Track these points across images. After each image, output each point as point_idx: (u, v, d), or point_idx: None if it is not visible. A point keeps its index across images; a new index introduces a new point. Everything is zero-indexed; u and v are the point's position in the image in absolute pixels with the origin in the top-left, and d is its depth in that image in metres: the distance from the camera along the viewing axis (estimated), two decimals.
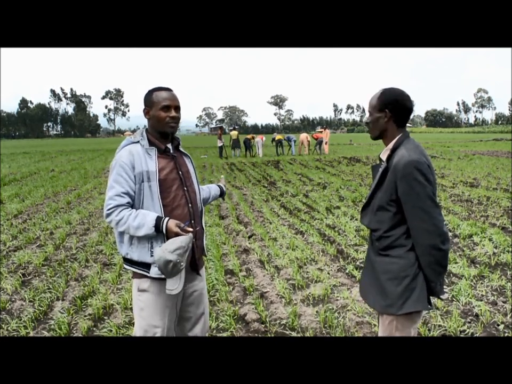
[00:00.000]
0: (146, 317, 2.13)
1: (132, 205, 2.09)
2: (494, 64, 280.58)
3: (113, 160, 2.11)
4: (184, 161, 2.27)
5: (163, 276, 2.04)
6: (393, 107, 1.94)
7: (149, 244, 2.07)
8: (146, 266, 2.09)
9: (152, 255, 2.05)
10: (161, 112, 2.10)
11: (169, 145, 2.20)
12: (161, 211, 2.07)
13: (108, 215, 2.05)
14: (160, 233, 2.03)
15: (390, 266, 1.92)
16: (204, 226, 2.30)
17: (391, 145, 1.96)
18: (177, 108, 2.15)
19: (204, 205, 2.49)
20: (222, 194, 2.62)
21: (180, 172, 2.18)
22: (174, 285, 2.04)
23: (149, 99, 2.14)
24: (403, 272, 1.89)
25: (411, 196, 1.82)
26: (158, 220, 2.01)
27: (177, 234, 1.99)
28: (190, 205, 2.17)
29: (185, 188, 2.18)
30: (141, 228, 2.00)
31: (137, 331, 2.18)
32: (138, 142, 2.13)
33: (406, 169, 1.82)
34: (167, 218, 2.02)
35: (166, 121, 2.11)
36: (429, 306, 1.94)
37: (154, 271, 2.07)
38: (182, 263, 1.97)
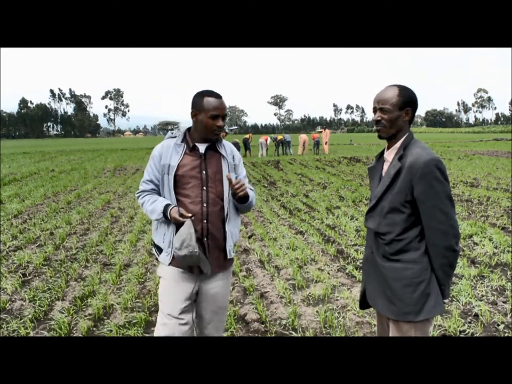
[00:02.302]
0: (160, 303, 2.30)
1: (158, 192, 2.28)
2: (494, 64, 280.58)
3: None
4: (216, 162, 2.25)
5: (166, 262, 2.23)
6: (413, 106, 1.88)
7: (163, 229, 2.23)
8: (159, 250, 2.27)
9: (164, 241, 2.23)
10: (210, 120, 2.15)
11: (199, 145, 2.23)
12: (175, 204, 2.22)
13: (137, 198, 2.34)
14: (171, 223, 2.17)
15: (404, 273, 1.84)
16: (226, 229, 2.24)
17: (398, 144, 1.89)
18: (224, 117, 2.21)
19: (243, 211, 2.39)
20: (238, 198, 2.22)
21: (204, 172, 2.20)
22: (205, 268, 2.20)
23: (199, 103, 2.17)
24: (417, 277, 1.82)
25: (431, 195, 1.76)
26: (166, 207, 2.15)
27: (176, 220, 2.11)
28: (204, 205, 2.19)
29: (204, 188, 2.19)
30: (154, 212, 2.19)
31: (158, 315, 2.31)
32: (175, 137, 2.26)
33: (426, 168, 1.75)
34: (172, 206, 2.15)
35: (212, 129, 2.18)
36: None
37: (161, 256, 2.25)
38: (195, 250, 2.08)
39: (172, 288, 2.23)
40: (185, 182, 2.18)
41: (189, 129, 2.28)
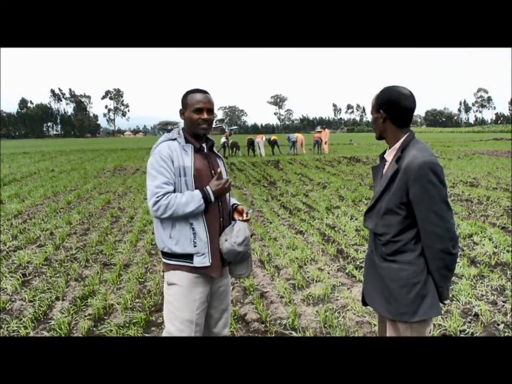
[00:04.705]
0: (175, 310, 2.20)
1: None
2: (494, 64, 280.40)
3: (152, 154, 2.19)
4: (217, 162, 2.36)
5: (206, 264, 2.16)
6: (387, 107, 1.86)
7: (191, 235, 2.15)
8: (189, 257, 2.17)
9: (195, 246, 2.14)
10: (194, 114, 2.20)
11: (203, 145, 2.30)
12: None
13: (157, 202, 2.09)
14: (201, 221, 2.15)
15: (400, 273, 1.85)
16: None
17: (397, 145, 1.89)
18: (209, 110, 2.23)
19: None
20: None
21: (213, 171, 2.28)
22: (243, 269, 2.25)
23: (185, 101, 2.24)
24: (413, 279, 1.83)
25: (425, 198, 1.75)
26: (203, 191, 2.14)
27: (223, 187, 2.17)
28: (220, 203, 2.26)
29: None
30: (190, 203, 2.09)
31: (167, 326, 2.23)
32: (175, 139, 2.23)
33: (420, 170, 1.73)
34: (207, 186, 2.16)
35: (198, 123, 2.21)
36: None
37: (197, 261, 2.16)
38: (249, 251, 2.16)
39: (189, 295, 2.18)
40: (201, 182, 2.20)
41: (183, 130, 2.30)
